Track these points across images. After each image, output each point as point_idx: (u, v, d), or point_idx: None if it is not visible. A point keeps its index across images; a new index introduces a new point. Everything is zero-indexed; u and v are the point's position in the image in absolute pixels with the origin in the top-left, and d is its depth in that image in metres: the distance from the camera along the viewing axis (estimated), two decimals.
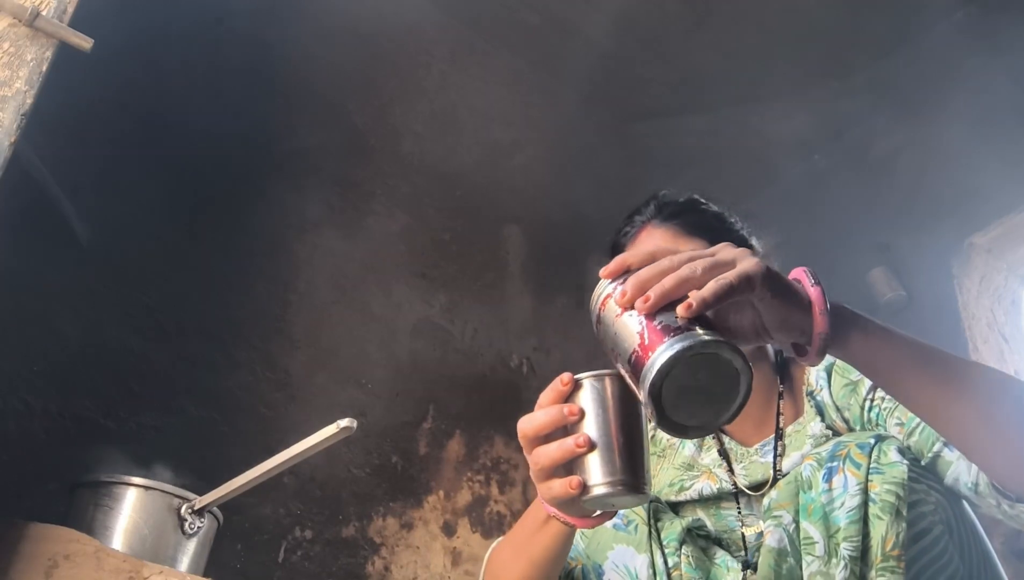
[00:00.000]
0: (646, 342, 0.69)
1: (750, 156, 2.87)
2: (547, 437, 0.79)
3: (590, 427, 0.77)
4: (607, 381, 0.78)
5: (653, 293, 0.70)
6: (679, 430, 0.71)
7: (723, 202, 1.22)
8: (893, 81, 2.68)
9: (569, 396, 0.79)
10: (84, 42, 1.17)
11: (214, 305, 1.99)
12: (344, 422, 1.31)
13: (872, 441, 0.96)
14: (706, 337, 0.68)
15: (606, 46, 2.68)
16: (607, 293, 0.76)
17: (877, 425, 1.03)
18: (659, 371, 0.67)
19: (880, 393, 1.04)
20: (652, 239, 1.15)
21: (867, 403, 1.04)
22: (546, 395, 0.81)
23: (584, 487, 0.77)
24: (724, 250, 0.74)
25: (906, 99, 2.67)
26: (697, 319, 0.69)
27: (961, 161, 2.53)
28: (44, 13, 1.15)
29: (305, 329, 2.13)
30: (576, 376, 0.79)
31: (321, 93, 2.35)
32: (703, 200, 1.21)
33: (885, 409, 1.03)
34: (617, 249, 1.20)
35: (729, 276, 0.70)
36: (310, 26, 2.32)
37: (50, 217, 1.75)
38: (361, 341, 2.22)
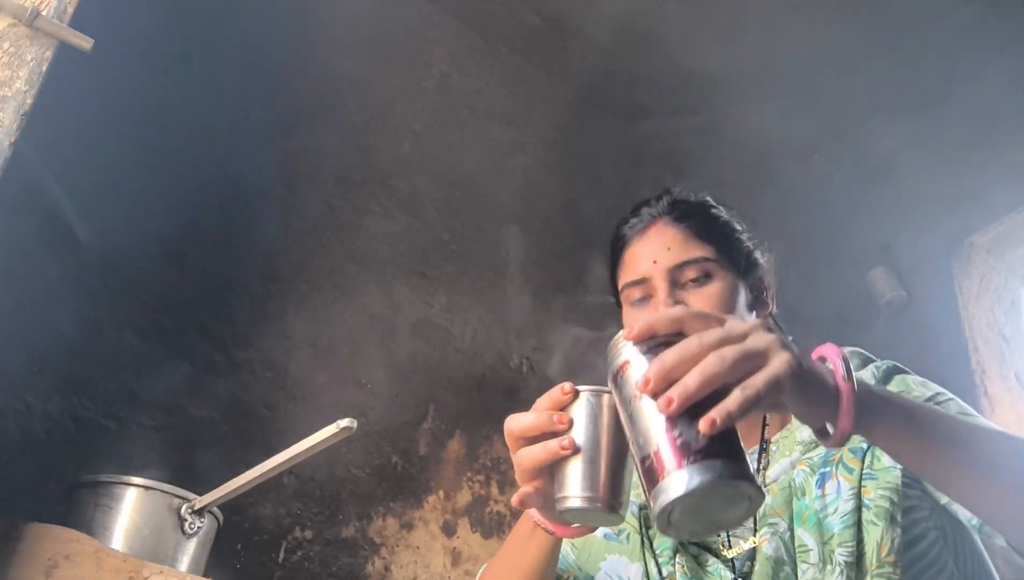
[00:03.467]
0: (663, 457, 0.66)
1: (750, 156, 2.87)
2: (533, 440, 0.79)
3: (578, 439, 0.77)
4: (604, 398, 0.77)
5: (677, 397, 0.65)
6: (676, 532, 0.70)
7: (732, 207, 1.19)
8: (893, 81, 2.68)
9: (565, 406, 0.78)
10: (84, 42, 1.17)
11: (214, 305, 1.99)
12: (344, 422, 1.31)
13: (865, 446, 0.95)
14: (725, 472, 0.65)
15: (606, 46, 2.68)
16: (627, 359, 0.72)
17: None
18: (672, 500, 0.65)
19: None
20: (662, 237, 1.10)
21: None
22: (542, 400, 0.80)
23: (563, 497, 0.77)
24: (756, 336, 0.69)
25: (906, 99, 2.67)
26: (719, 434, 0.66)
27: (961, 161, 2.53)
28: (44, 13, 1.15)
29: (305, 329, 2.13)
30: (577, 386, 0.78)
31: (321, 93, 2.35)
32: (714, 203, 1.18)
33: None
34: (621, 241, 1.16)
35: (757, 383, 0.66)
36: (310, 26, 2.32)
37: (50, 217, 1.75)
38: (361, 341, 2.22)
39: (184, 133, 2.01)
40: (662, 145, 2.90)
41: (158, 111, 1.98)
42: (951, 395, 1.02)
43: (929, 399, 1.00)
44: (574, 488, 0.76)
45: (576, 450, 0.76)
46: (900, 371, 1.06)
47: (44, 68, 1.15)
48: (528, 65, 2.78)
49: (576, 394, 0.78)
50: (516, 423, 0.80)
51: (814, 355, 0.75)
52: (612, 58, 2.72)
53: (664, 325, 0.70)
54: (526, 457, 0.78)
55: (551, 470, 0.79)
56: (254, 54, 2.15)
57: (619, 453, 0.77)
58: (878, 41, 2.59)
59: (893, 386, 1.03)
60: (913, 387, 1.02)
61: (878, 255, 2.65)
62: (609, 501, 0.76)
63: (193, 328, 1.93)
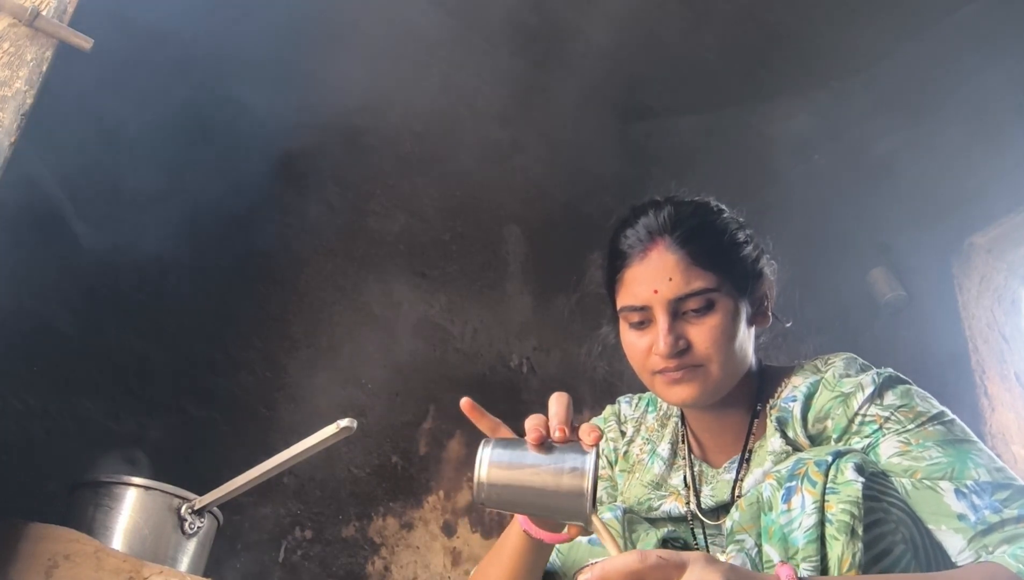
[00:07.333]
0: None
1: (750, 156, 2.87)
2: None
3: (550, 455, 0.84)
4: (589, 463, 0.83)
5: None
6: None
7: (735, 210, 1.16)
8: (893, 81, 2.68)
9: (569, 438, 0.86)
10: (84, 42, 1.17)
11: (214, 305, 1.99)
12: (344, 422, 1.31)
13: (830, 458, 0.94)
14: None
15: (606, 46, 2.68)
16: None
17: (868, 437, 1.00)
18: None
19: (875, 410, 1.01)
20: (664, 264, 1.06)
21: (858, 418, 1.01)
22: (561, 415, 0.88)
23: (486, 456, 0.86)
24: None
25: (906, 99, 2.67)
26: None
27: (961, 161, 2.53)
28: (44, 13, 1.15)
29: (305, 329, 2.13)
30: (597, 440, 0.85)
31: (321, 93, 2.35)
32: (716, 210, 1.14)
33: (889, 430, 0.99)
34: (621, 257, 1.11)
35: None
36: (310, 26, 2.32)
37: (50, 217, 1.75)
38: (361, 341, 2.22)
39: (183, 133, 2.01)
40: (662, 145, 2.90)
41: (157, 111, 1.98)
42: (952, 415, 1.01)
43: (932, 418, 0.99)
44: (495, 464, 0.85)
45: (538, 448, 0.84)
46: (902, 382, 1.05)
47: (44, 68, 1.15)
48: (528, 65, 2.78)
49: (596, 440, 0.85)
50: (554, 399, 0.91)
51: (775, 572, 0.81)
52: (612, 58, 2.71)
53: (621, 578, 0.75)
54: (530, 421, 0.89)
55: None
56: (253, 54, 2.15)
57: (541, 500, 0.84)
58: (878, 41, 2.59)
59: (895, 396, 1.02)
60: (916, 402, 1.01)
61: (878, 255, 2.64)
62: (482, 496, 0.85)
63: (193, 328, 1.93)
